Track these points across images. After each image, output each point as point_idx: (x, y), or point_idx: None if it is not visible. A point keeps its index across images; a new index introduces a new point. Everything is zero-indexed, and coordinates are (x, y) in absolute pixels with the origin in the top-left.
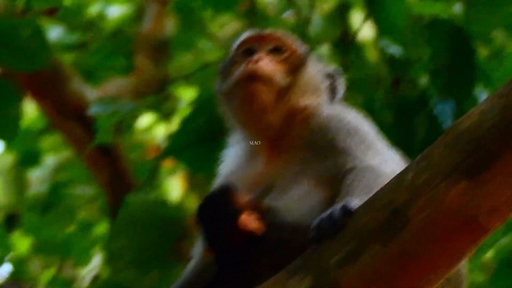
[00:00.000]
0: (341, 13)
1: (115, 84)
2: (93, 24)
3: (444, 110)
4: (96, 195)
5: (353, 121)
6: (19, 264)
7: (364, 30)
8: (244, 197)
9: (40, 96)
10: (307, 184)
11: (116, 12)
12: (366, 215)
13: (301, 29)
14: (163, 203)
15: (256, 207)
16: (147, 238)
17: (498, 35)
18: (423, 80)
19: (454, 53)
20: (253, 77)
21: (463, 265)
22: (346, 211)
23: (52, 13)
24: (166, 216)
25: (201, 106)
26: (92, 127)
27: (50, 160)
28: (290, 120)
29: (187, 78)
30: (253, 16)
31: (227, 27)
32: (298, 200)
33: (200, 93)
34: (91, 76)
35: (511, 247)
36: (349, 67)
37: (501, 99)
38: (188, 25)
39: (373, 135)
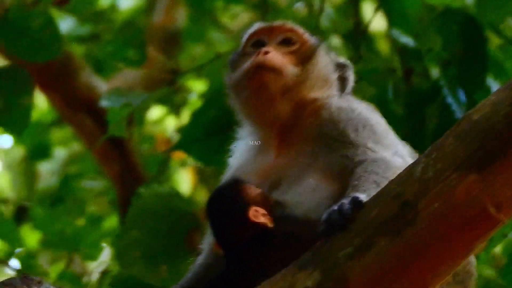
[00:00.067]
0: (352, 5)
1: (126, 76)
2: (104, 16)
3: (456, 101)
4: (105, 189)
5: (363, 113)
6: (28, 258)
7: (375, 21)
8: (253, 191)
9: (50, 89)
10: (317, 176)
11: (127, 3)
12: (376, 208)
13: (312, 20)
14: (176, 195)
15: (265, 201)
16: (160, 230)
17: (510, 24)
18: (435, 70)
19: (466, 42)
20: (262, 67)
21: (471, 261)
22: (356, 204)
23: (63, 3)
24: (179, 208)
25: (212, 98)
26: (103, 119)
27: (60, 153)
28: (299, 112)
29: (199, 70)
30: (265, 7)
31: (238, 19)
32: (307, 193)
33: (210, 86)
34: (101, 68)
35: None
36: (361, 58)
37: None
38: (200, 16)
39: (383, 127)
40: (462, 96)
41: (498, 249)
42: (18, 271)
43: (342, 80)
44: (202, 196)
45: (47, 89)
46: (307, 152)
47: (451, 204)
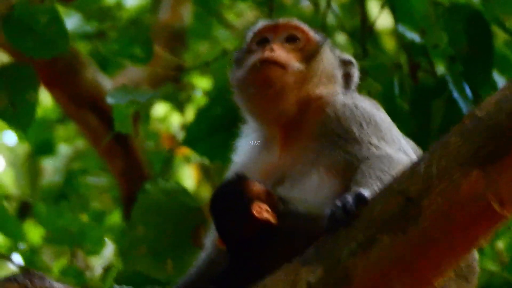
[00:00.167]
0: (358, 2)
1: (131, 74)
2: (110, 13)
3: (462, 96)
4: (109, 185)
5: (367, 110)
6: (31, 254)
7: (381, 19)
8: (257, 187)
9: (55, 86)
10: (321, 173)
11: (133, 1)
12: (380, 204)
13: (318, 18)
14: (182, 191)
15: (269, 197)
16: (166, 225)
17: None
18: (441, 66)
19: (472, 38)
20: (267, 62)
21: (474, 256)
22: (360, 201)
23: (69, 0)
24: (186, 204)
25: (217, 95)
26: (107, 117)
27: (64, 150)
28: (304, 108)
29: (205, 67)
30: (270, 5)
31: (244, 16)
32: (311, 190)
33: (216, 82)
34: (106, 65)
35: None
36: (367, 54)
37: None
38: (205, 14)
39: (388, 123)
40: (468, 91)
41: (501, 244)
42: (21, 266)
43: (347, 77)
44: (206, 193)
45: (52, 86)
46: (311, 149)
47: (455, 201)
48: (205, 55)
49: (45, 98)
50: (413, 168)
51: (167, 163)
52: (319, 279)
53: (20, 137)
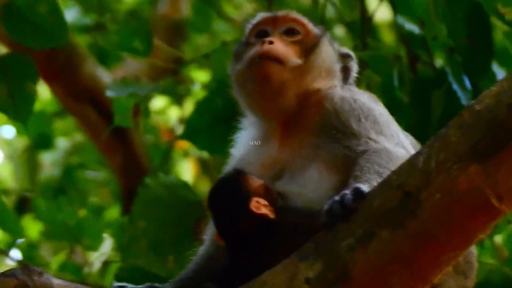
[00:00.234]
0: None
1: (130, 67)
2: (108, 6)
3: (461, 88)
4: (108, 179)
5: (366, 104)
6: (30, 249)
7: (380, 12)
8: (255, 182)
9: (53, 79)
10: (320, 167)
11: None
12: (378, 199)
13: (317, 10)
14: (183, 185)
15: (267, 192)
16: (167, 220)
17: None
18: (441, 57)
19: (471, 29)
20: (266, 57)
21: (472, 252)
22: (358, 195)
23: None
24: (186, 198)
25: (217, 88)
26: (106, 110)
27: (62, 144)
28: (303, 102)
29: (205, 59)
30: None
31: (242, 9)
32: (310, 184)
33: (215, 75)
34: (105, 58)
35: None
36: (366, 46)
37: None
38: (204, 6)
39: (386, 117)
40: (467, 83)
41: (500, 240)
42: (19, 262)
43: (345, 70)
44: (205, 187)
45: (51, 80)
46: (310, 143)
47: (453, 195)
48: (204, 48)
49: (43, 92)
50: (412, 162)
51: (166, 157)
52: (318, 274)
53: (18, 131)
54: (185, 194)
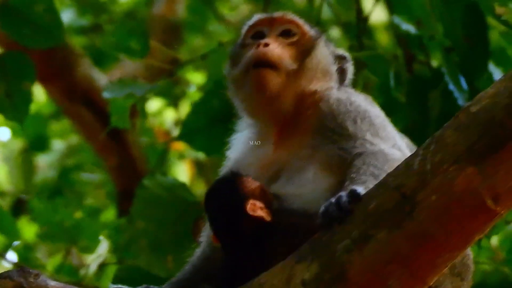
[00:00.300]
0: None
1: (125, 68)
2: (104, 7)
3: (458, 88)
4: (103, 181)
5: (362, 106)
6: (26, 251)
7: (376, 13)
8: (251, 184)
9: (49, 81)
10: (316, 169)
11: None
12: (374, 201)
13: (312, 11)
14: (181, 185)
15: (263, 194)
16: (166, 220)
17: None
18: (437, 57)
19: (468, 29)
20: (262, 63)
21: (468, 254)
22: (354, 197)
23: None
24: (185, 198)
25: (213, 88)
26: (102, 112)
27: (58, 146)
28: (299, 104)
29: (201, 60)
30: None
31: (238, 10)
32: (306, 186)
33: (212, 75)
34: (101, 60)
35: None
36: (362, 46)
37: (511, 82)
38: (200, 7)
39: (382, 119)
40: (464, 83)
41: (495, 242)
42: (15, 264)
43: (341, 72)
44: (200, 189)
45: (46, 81)
46: (306, 145)
47: (449, 197)
48: (200, 50)
49: (39, 93)
50: (408, 164)
51: (162, 159)
52: (314, 276)
53: (14, 133)
54: (184, 195)
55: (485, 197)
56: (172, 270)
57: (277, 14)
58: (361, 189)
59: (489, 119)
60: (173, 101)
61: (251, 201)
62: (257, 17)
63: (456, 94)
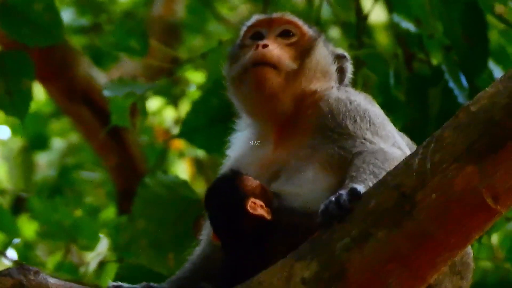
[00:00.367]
0: None
1: (125, 67)
2: (103, 7)
3: (458, 86)
4: (103, 180)
5: (361, 105)
6: (26, 249)
7: (375, 13)
8: (252, 182)
9: (49, 80)
10: (316, 168)
11: None
12: (374, 199)
13: (312, 11)
14: (182, 183)
15: (263, 192)
16: (167, 218)
17: None
18: (437, 55)
19: (467, 27)
20: (261, 63)
21: (468, 252)
22: (354, 195)
23: None
24: (186, 196)
25: (213, 87)
26: (101, 111)
27: (58, 144)
28: (299, 104)
29: (199, 60)
30: None
31: (238, 10)
32: (306, 185)
33: (211, 73)
34: (100, 59)
35: None
36: (362, 45)
37: (510, 82)
38: (199, 7)
39: (382, 118)
40: (464, 81)
41: (496, 241)
42: (15, 261)
43: (341, 71)
44: (200, 188)
45: (46, 81)
46: (306, 144)
47: (449, 196)
48: (199, 50)
49: (39, 93)
50: (407, 163)
51: (161, 157)
52: (314, 274)
53: (13, 131)
54: (185, 193)
55: (484, 196)
56: (173, 268)
57: (276, 14)
58: (361, 188)
59: (489, 118)
60: (173, 100)
61: (251, 200)
62: (255, 17)
63: (456, 92)
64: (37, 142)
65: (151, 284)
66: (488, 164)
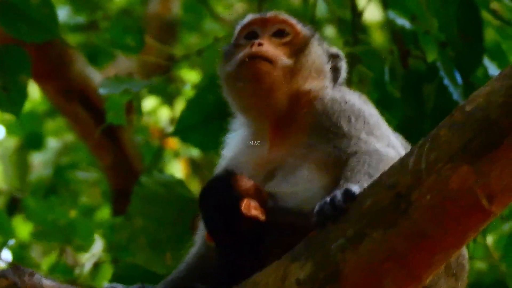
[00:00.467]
0: None
1: (121, 66)
2: (99, 5)
3: (452, 82)
4: (99, 180)
5: (356, 104)
6: (20, 250)
7: (370, 11)
8: (246, 183)
9: (44, 79)
10: (311, 168)
11: None
12: (369, 200)
13: (307, 10)
14: (179, 182)
15: (258, 193)
16: (164, 217)
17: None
18: (432, 52)
19: (462, 24)
20: (256, 57)
21: (463, 253)
22: (349, 196)
23: None
24: (183, 195)
25: (208, 84)
26: (97, 110)
27: (53, 144)
28: (294, 103)
29: (195, 58)
30: None
31: (233, 8)
32: (301, 185)
33: (207, 71)
34: (96, 57)
35: None
36: (357, 42)
37: (506, 80)
38: (195, 5)
39: (376, 118)
40: (459, 78)
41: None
42: (9, 263)
43: (335, 71)
44: (195, 187)
45: (41, 79)
46: (301, 144)
47: (444, 196)
48: (195, 48)
49: (34, 91)
50: (402, 162)
51: (157, 157)
52: (309, 275)
53: (8, 131)
54: (181, 192)
55: (480, 196)
56: (171, 267)
57: (270, 14)
58: (355, 188)
59: (484, 117)
60: (168, 99)
61: (245, 200)
62: (250, 17)
63: (451, 88)
64: (32, 141)
65: (146, 285)
66: (483, 164)
